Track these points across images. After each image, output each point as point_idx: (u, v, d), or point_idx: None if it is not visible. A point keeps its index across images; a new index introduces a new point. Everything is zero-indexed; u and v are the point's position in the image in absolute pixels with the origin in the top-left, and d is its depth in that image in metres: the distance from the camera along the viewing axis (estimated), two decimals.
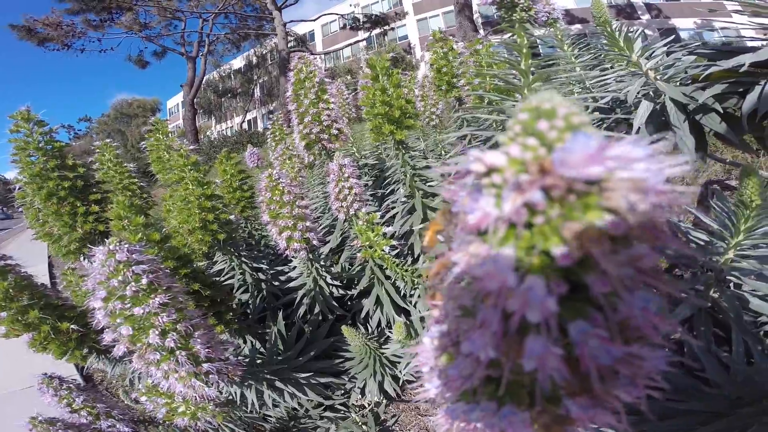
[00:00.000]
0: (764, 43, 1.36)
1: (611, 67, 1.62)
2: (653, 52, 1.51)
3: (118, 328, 0.90)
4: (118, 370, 1.62)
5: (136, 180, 2.43)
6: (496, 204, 0.21)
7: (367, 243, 1.20)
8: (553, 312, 0.20)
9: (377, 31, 17.81)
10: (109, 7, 14.48)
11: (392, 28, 18.46)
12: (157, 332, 0.90)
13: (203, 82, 19.24)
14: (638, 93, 1.47)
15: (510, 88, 1.02)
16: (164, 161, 2.44)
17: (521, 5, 0.91)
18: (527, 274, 0.21)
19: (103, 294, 0.89)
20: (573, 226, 0.20)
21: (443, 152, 2.50)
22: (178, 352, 0.94)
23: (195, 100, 17.12)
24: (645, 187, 0.20)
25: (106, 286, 0.89)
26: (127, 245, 0.91)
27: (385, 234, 1.21)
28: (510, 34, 0.98)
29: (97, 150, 2.14)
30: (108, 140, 2.23)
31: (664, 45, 1.53)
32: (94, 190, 1.60)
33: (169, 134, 2.41)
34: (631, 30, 1.46)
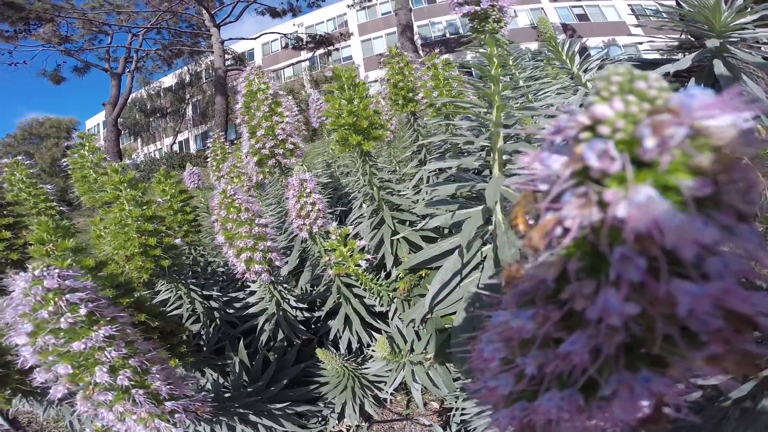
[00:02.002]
0: (681, 54, 1.55)
1: (550, 81, 1.75)
2: (590, 65, 1.66)
3: (53, 366, 0.78)
4: (52, 412, 1.36)
5: (55, 204, 2.14)
6: (618, 148, 0.23)
7: (340, 259, 1.12)
8: (717, 240, 0.21)
9: (321, 51, 17.92)
10: (27, 18, 13.01)
11: (336, 49, 18.69)
12: (104, 369, 0.80)
13: (129, 100, 17.89)
14: (580, 104, 1.59)
15: (479, 95, 1.03)
16: (91, 181, 2.16)
17: (493, 17, 0.93)
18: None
19: (29, 328, 0.75)
20: (706, 156, 0.22)
21: (397, 167, 2.51)
22: (134, 391, 0.83)
23: (119, 119, 15.80)
24: (746, 130, 0.22)
25: (31, 319, 0.75)
26: (57, 270, 0.78)
27: (357, 248, 1.15)
28: (480, 45, 1.00)
29: (6, 168, 1.84)
30: (20, 158, 1.93)
31: (598, 59, 1.68)
32: (5, 212, 1.35)
33: (98, 150, 2.15)
34: (573, 46, 1.59)
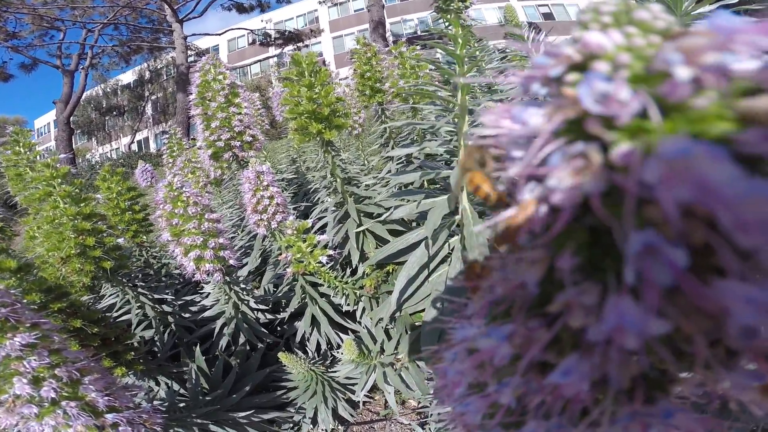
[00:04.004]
0: None
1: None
2: None
3: None
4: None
5: None
6: (631, 86, 0.16)
7: (299, 255, 1.04)
8: None
9: (290, 47, 17.51)
10: None
11: (306, 45, 18.27)
12: (25, 380, 0.74)
13: (83, 98, 16.86)
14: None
15: (444, 77, 0.98)
16: (27, 180, 1.96)
17: None
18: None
19: None
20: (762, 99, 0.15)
21: (366, 162, 2.44)
22: (65, 403, 0.76)
23: (72, 118, 14.85)
24: None
25: None
26: None
27: (318, 243, 1.07)
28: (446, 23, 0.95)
29: None
30: None
31: None
32: None
33: (34, 146, 1.95)
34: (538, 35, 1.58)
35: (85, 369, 0.84)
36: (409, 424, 1.50)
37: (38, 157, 1.90)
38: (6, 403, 0.75)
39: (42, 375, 0.76)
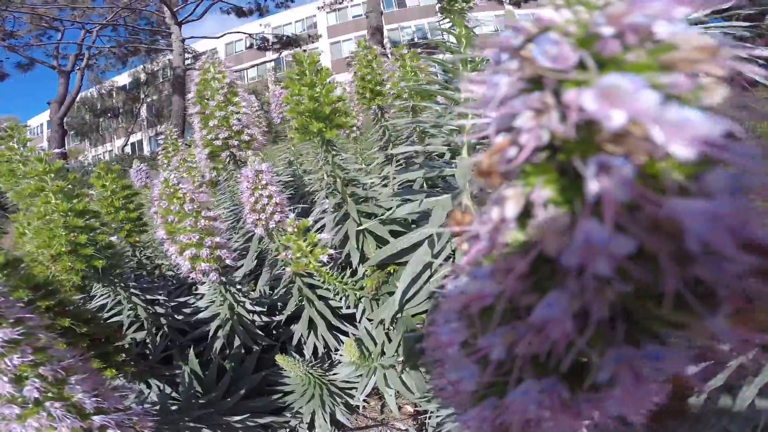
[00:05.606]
0: None
1: None
2: None
3: None
4: None
5: None
6: (573, 46, 0.19)
7: (299, 254, 1.02)
8: (722, 141, 0.17)
9: (287, 52, 17.53)
10: None
11: (304, 50, 18.30)
12: (6, 379, 0.70)
13: (78, 99, 16.74)
14: None
15: (448, 76, 0.98)
16: (19, 175, 1.92)
17: None
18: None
19: None
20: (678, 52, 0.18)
21: (364, 164, 2.43)
22: (49, 404, 0.72)
23: (65, 119, 14.73)
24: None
25: None
26: None
27: (319, 242, 1.05)
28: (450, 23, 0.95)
29: None
30: None
31: None
32: None
33: (29, 142, 1.91)
34: None
35: (71, 368, 0.80)
36: (406, 430, 1.48)
37: (32, 153, 1.87)
38: None
39: (25, 374, 0.72)
